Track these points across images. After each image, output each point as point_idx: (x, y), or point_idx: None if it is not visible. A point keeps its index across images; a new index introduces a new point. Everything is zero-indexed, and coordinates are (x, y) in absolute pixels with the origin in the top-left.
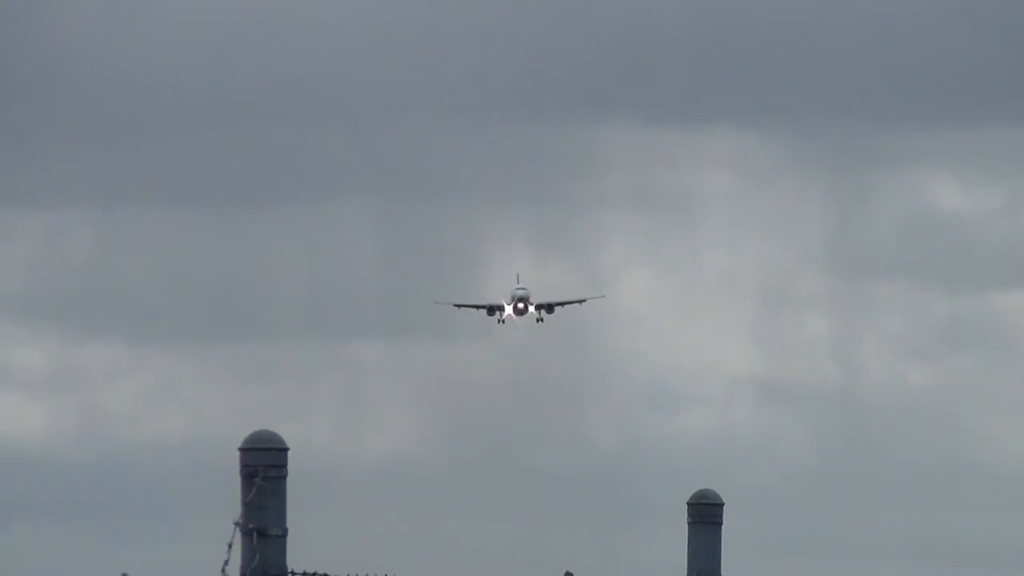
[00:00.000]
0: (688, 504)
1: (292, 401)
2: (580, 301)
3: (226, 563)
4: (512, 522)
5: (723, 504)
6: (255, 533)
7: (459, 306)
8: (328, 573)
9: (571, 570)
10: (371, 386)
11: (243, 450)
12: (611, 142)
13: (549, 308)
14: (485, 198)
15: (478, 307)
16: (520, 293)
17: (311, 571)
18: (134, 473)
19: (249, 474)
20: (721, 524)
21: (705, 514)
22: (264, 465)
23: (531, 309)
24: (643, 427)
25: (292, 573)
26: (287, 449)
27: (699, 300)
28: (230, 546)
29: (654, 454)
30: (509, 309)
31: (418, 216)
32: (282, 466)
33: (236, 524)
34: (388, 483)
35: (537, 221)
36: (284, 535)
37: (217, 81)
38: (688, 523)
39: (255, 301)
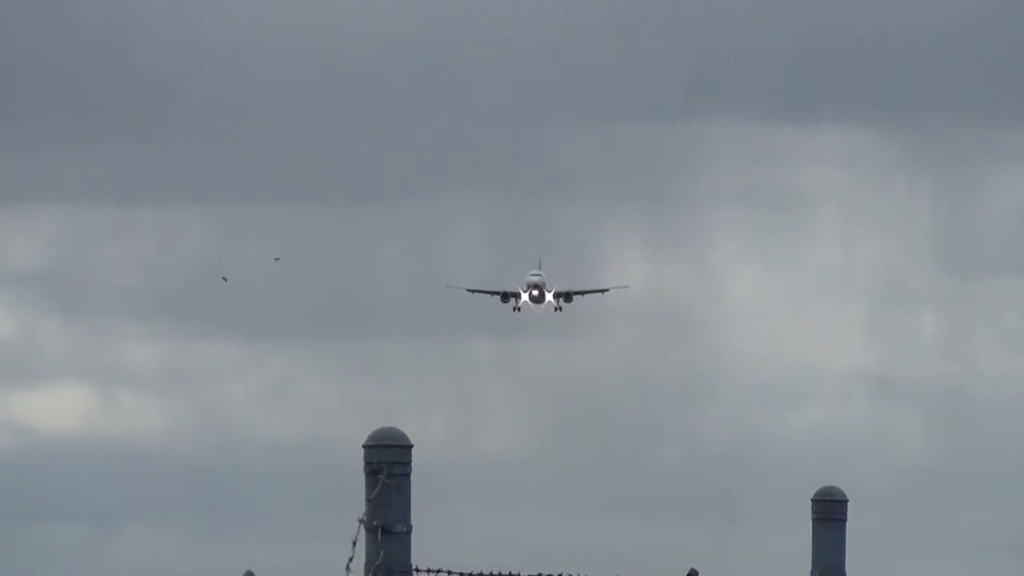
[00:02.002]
0: (812, 501)
1: (409, 397)
2: (602, 291)
3: (350, 560)
4: (633, 519)
5: (847, 501)
6: (379, 530)
7: (472, 291)
8: (452, 570)
9: (695, 567)
10: (487, 383)
11: (367, 447)
12: (722, 139)
13: (567, 296)
14: (596, 196)
15: (492, 293)
16: (534, 279)
17: (435, 568)
18: (254, 471)
19: (373, 471)
20: (845, 521)
21: (830, 511)
22: (388, 462)
23: (548, 297)
24: (759, 424)
25: (416, 570)
26: (411, 446)
27: (811, 297)
28: (354, 543)
29: (770, 451)
30: (525, 296)
31: (529, 213)
32: (406, 463)
33: (360, 521)
34: (508, 479)
35: (648, 219)
36: (408, 532)
37: (329, 76)
38: (812, 520)
39: (369, 297)
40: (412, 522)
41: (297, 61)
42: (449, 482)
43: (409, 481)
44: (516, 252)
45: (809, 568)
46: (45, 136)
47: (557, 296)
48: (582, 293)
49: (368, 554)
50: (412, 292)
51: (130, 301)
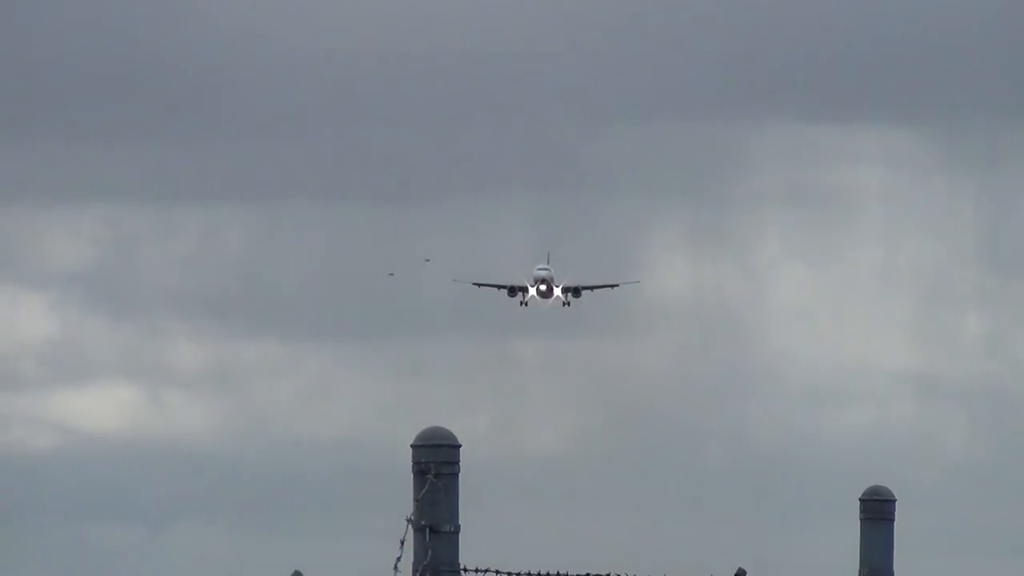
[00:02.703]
0: (860, 500)
1: (453, 397)
2: (612, 285)
3: (399, 560)
4: (681, 519)
5: (895, 500)
6: (427, 530)
7: (479, 285)
8: (500, 569)
9: (743, 567)
10: (531, 382)
11: (416, 447)
12: (765, 139)
13: (576, 292)
14: (639, 195)
15: (499, 287)
16: (542, 274)
17: (483, 567)
18: (301, 470)
19: (421, 471)
20: (894, 520)
21: (878, 510)
22: (437, 462)
23: (556, 292)
24: (805, 424)
25: (464, 569)
26: (459, 446)
27: (854, 296)
28: (402, 543)
29: (817, 451)
30: (532, 291)
31: (573, 212)
32: (454, 463)
33: (408, 521)
34: (554, 479)
35: (691, 218)
36: (456, 531)
37: (371, 76)
38: (861, 519)
39: (411, 297)
40: (460, 521)
41: (337, 62)
42: (496, 482)
43: (457, 481)
44: (558, 250)
45: (857, 568)
46: (90, 137)
47: (565, 291)
48: (591, 288)
49: (416, 553)
50: (454, 291)
51: (175, 301)
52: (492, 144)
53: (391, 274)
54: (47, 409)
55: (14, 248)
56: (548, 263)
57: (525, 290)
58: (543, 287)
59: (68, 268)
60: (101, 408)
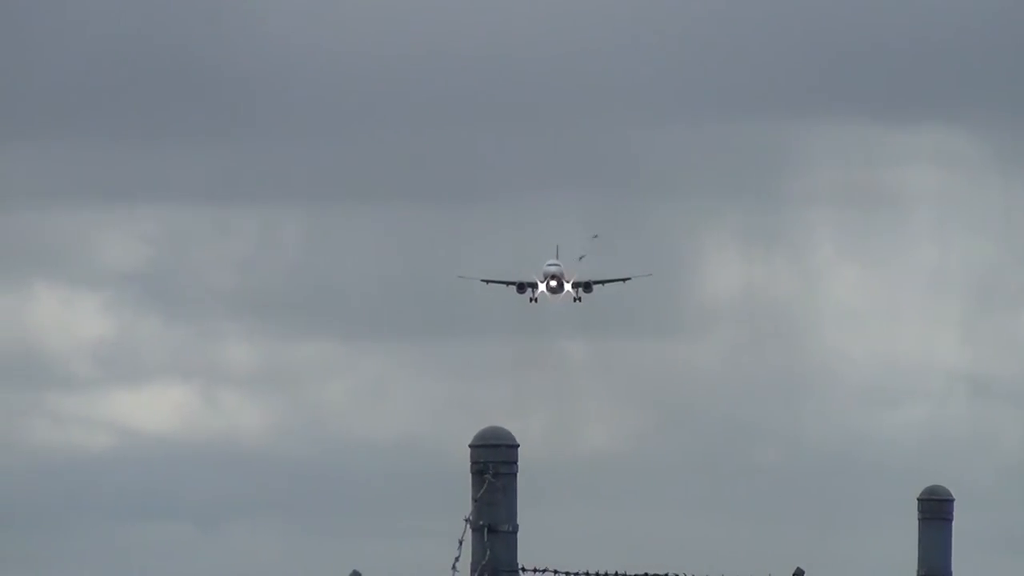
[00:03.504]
0: (918, 500)
1: (508, 396)
2: (624, 279)
3: (457, 559)
4: (738, 519)
5: (953, 500)
6: (486, 530)
7: (487, 281)
8: (558, 569)
9: (801, 567)
10: (587, 382)
11: (474, 447)
12: (820, 139)
13: (587, 287)
14: (693, 195)
15: (508, 283)
16: (552, 269)
17: (541, 567)
18: (357, 470)
19: (480, 471)
20: (952, 520)
21: (936, 510)
22: (495, 461)
23: (567, 287)
24: (860, 423)
25: (523, 569)
26: (517, 446)
27: (908, 296)
28: (460, 543)
29: (873, 450)
30: (542, 287)
31: (629, 211)
32: (513, 462)
33: (467, 520)
34: (611, 478)
35: (745, 218)
36: (515, 531)
37: (426, 77)
38: (918, 519)
39: (465, 297)
40: (518, 521)
41: (389, 63)
42: (554, 481)
43: (515, 480)
44: (612, 250)
45: (915, 568)
46: (145, 137)
47: (576, 286)
48: (602, 282)
49: (474, 554)
50: (511, 291)
51: (229, 301)
52: (545, 146)
53: (595, 236)
54: (102, 409)
55: (69, 248)
56: (557, 258)
57: (535, 286)
58: (553, 283)
59: (123, 268)
60: (156, 408)
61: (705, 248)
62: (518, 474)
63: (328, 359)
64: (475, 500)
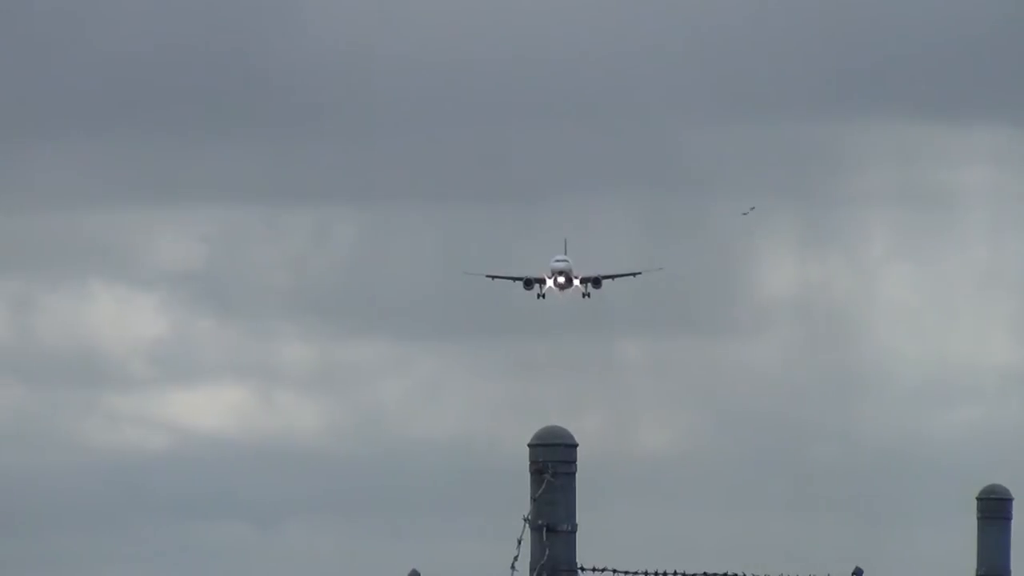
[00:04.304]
0: (977, 499)
1: (564, 396)
2: (634, 274)
3: (515, 559)
4: (796, 518)
5: (1012, 499)
6: (544, 529)
7: (493, 277)
8: (617, 568)
9: (860, 567)
10: (643, 381)
11: (532, 446)
12: (872, 139)
13: (596, 282)
14: (747, 195)
15: (514, 279)
16: (559, 265)
17: (600, 567)
18: (414, 469)
19: (538, 470)
20: (1011, 519)
21: (995, 509)
22: (554, 461)
23: (576, 283)
24: (917, 422)
25: (582, 569)
26: (576, 445)
27: (963, 295)
28: (519, 542)
29: (930, 449)
30: (550, 283)
31: (681, 211)
32: (571, 462)
33: (526, 520)
34: (669, 478)
35: (800, 218)
36: (574, 531)
37: (480, 77)
38: (977, 519)
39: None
40: (577, 521)
41: (446, 64)
42: (612, 481)
43: (574, 480)
44: (667, 251)
45: (975, 568)
46: (200, 137)
47: (584, 281)
48: (612, 277)
49: (533, 553)
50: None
51: (284, 300)
52: (598, 145)
53: (751, 209)
54: (158, 409)
55: (125, 248)
56: (565, 253)
57: (542, 282)
58: (561, 279)
59: (179, 268)
60: (211, 408)
61: (760, 248)
62: (576, 473)
63: (383, 358)
64: (534, 499)
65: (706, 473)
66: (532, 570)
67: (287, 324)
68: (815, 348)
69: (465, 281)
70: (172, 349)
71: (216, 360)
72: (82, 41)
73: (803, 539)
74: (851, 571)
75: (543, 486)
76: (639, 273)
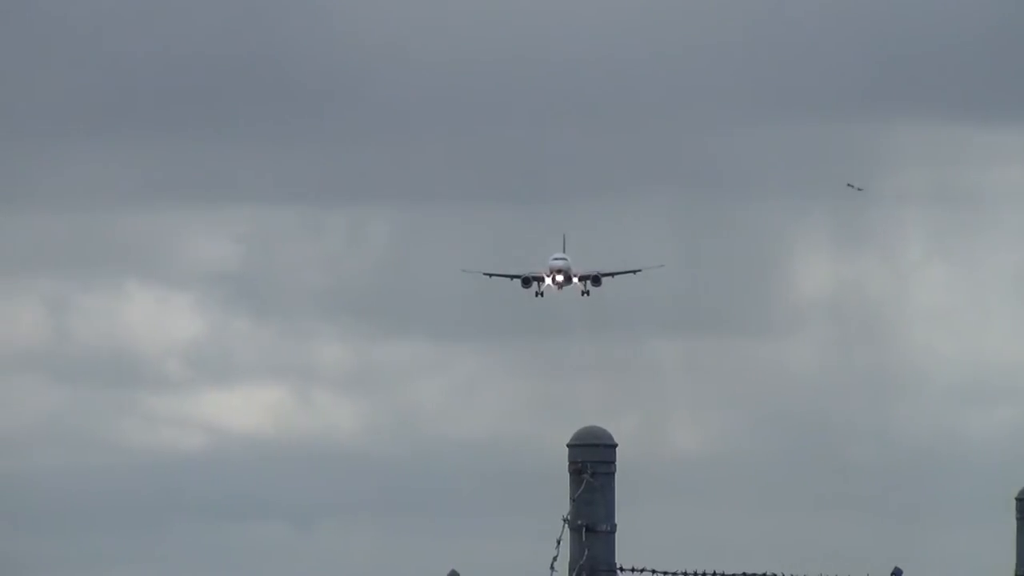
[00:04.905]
0: (1016, 499)
1: (601, 396)
2: (634, 271)
3: (555, 559)
4: (835, 518)
5: None
6: (584, 529)
7: (490, 275)
8: (656, 568)
9: (899, 567)
10: (678, 381)
11: (572, 446)
12: (908, 139)
13: (595, 280)
14: (783, 195)
15: (512, 277)
16: (557, 264)
17: (639, 567)
18: (451, 470)
19: (577, 470)
20: None
21: None
22: (593, 461)
23: (575, 280)
24: (955, 422)
25: (621, 569)
26: (615, 445)
27: (997, 294)
28: (559, 542)
29: (969, 449)
30: (548, 280)
31: (717, 211)
32: (611, 462)
33: (565, 520)
34: (705, 478)
35: (835, 218)
36: (613, 531)
37: (516, 78)
38: (1016, 519)
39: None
40: (616, 521)
41: (481, 64)
42: (650, 481)
43: (613, 480)
44: (702, 252)
45: (1013, 568)
46: (234, 138)
47: (584, 279)
48: (611, 275)
49: (572, 553)
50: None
51: (320, 300)
52: (633, 145)
53: (858, 188)
54: (194, 409)
55: (161, 249)
56: (564, 251)
57: (541, 280)
58: (560, 277)
59: (214, 268)
60: (248, 408)
61: (796, 248)
62: (616, 473)
63: (420, 358)
64: (573, 500)
65: (744, 473)
66: (571, 570)
67: (323, 324)
68: (851, 348)
69: (499, 282)
70: (208, 349)
71: (252, 360)
72: (120, 42)
73: (842, 539)
74: (890, 571)
75: (582, 486)
76: (639, 270)
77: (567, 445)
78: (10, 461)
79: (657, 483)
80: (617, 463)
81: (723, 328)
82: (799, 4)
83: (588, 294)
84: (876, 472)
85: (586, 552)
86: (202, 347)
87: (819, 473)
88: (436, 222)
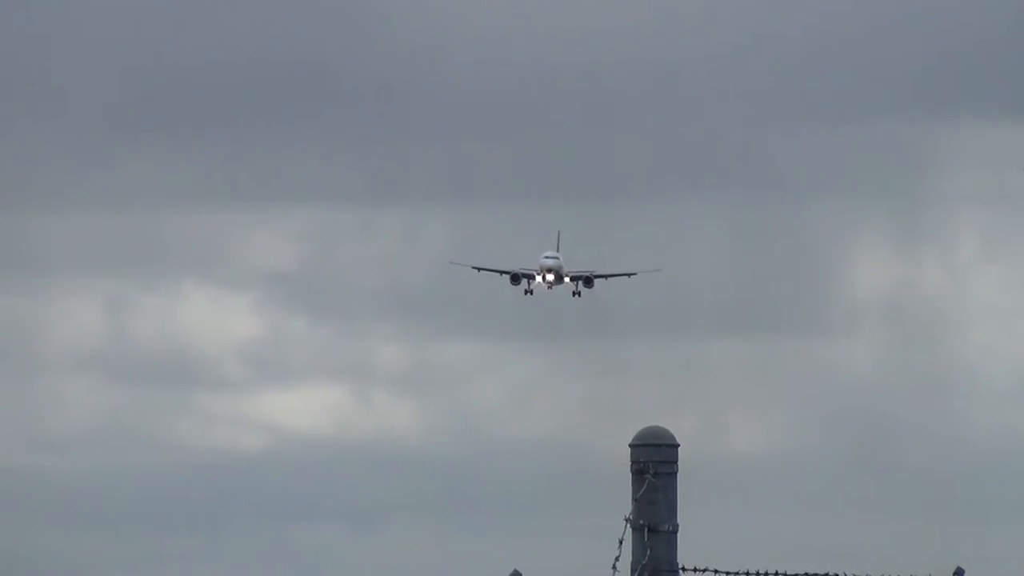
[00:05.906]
0: None
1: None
2: (629, 274)
3: (617, 559)
4: (896, 518)
5: None
6: (646, 529)
7: (479, 269)
8: (718, 569)
9: (961, 567)
10: (739, 382)
11: (634, 446)
12: (960, 139)
13: (588, 281)
14: (840, 195)
15: (501, 272)
16: (548, 263)
17: (701, 567)
18: (513, 469)
19: (640, 470)
20: None
21: None
22: (655, 461)
23: (566, 280)
24: (1012, 421)
25: (683, 569)
26: (678, 445)
27: None
28: (621, 542)
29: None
30: (539, 279)
31: (769, 212)
32: (673, 462)
33: (627, 520)
34: (767, 478)
35: (893, 218)
36: (675, 531)
37: (587, 79)
38: None
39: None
40: (678, 521)
41: (535, 64)
42: (712, 481)
43: (675, 480)
44: (758, 255)
45: None
46: (292, 139)
47: (575, 280)
48: (605, 276)
49: (634, 553)
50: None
51: (377, 300)
52: (685, 146)
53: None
54: (252, 409)
55: (218, 249)
56: (558, 249)
57: (531, 278)
58: (550, 276)
59: (272, 268)
60: (306, 408)
61: (854, 248)
62: (678, 474)
63: (478, 357)
64: (635, 500)
65: (806, 473)
66: (633, 570)
67: (381, 324)
68: (910, 348)
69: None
70: (266, 349)
71: (310, 360)
72: (180, 44)
73: (905, 539)
74: (952, 571)
75: (644, 486)
76: (634, 273)
77: (629, 445)
78: (69, 461)
79: (718, 483)
80: (679, 463)
81: (785, 329)
82: (855, 4)
83: (579, 295)
84: (938, 472)
85: (648, 552)
86: (260, 347)
87: (880, 473)
88: (492, 221)
